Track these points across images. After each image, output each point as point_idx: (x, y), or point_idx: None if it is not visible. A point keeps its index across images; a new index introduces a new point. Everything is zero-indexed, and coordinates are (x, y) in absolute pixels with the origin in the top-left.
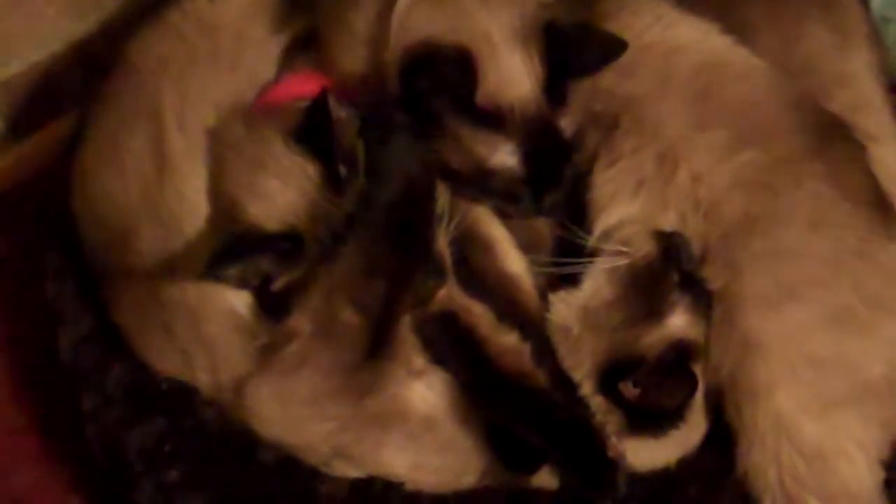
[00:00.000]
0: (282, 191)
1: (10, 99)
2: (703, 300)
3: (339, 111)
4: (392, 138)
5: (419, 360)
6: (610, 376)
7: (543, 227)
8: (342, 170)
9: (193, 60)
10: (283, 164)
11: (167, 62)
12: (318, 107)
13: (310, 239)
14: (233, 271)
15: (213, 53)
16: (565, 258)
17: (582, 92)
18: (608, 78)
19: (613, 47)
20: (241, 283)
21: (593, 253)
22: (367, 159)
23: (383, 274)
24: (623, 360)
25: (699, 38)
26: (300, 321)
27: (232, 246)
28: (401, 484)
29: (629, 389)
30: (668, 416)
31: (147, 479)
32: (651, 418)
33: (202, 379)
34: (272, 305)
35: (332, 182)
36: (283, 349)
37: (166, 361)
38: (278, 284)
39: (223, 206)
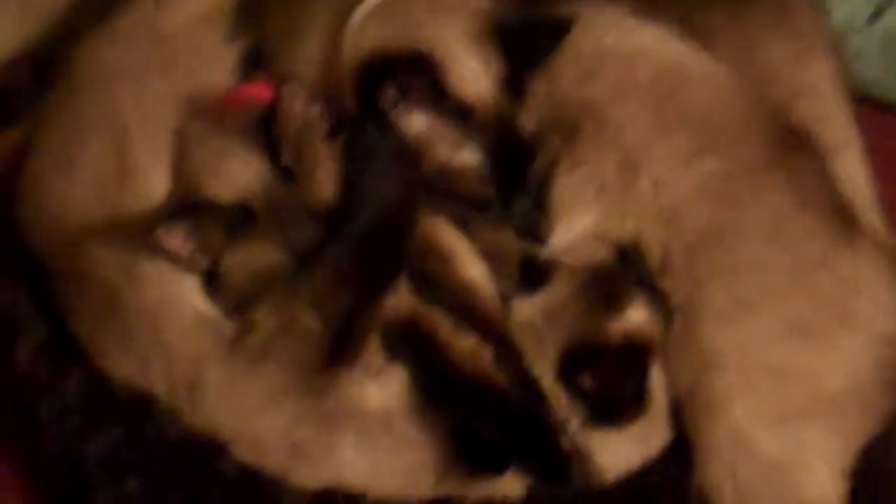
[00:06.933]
0: (240, 172)
1: None
2: (659, 301)
3: (310, 107)
4: (375, 160)
5: (377, 362)
6: (569, 367)
7: (507, 238)
8: (286, 160)
9: (149, 70)
10: (242, 150)
11: (121, 71)
12: (274, 99)
13: (262, 216)
14: (181, 233)
15: (169, 65)
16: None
17: (541, 95)
18: (568, 81)
19: (561, 28)
20: (189, 263)
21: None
22: (347, 177)
23: (349, 289)
24: (583, 348)
25: (657, 43)
26: (264, 315)
27: (183, 207)
28: (363, 495)
29: (587, 381)
30: (626, 406)
31: (105, 489)
32: (610, 408)
33: (159, 386)
34: (219, 295)
35: (279, 172)
36: (243, 341)
37: (124, 369)
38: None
39: (183, 190)
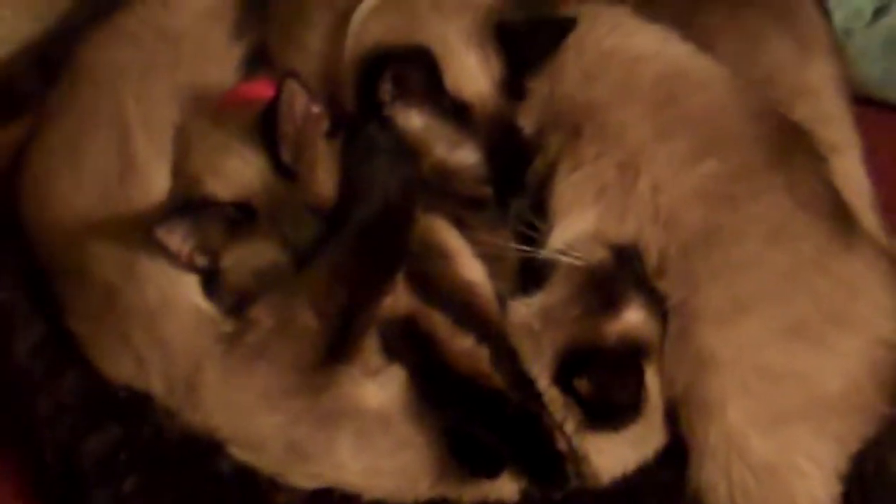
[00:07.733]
0: (241, 170)
1: None
2: (656, 302)
3: (311, 105)
4: (375, 156)
5: (376, 362)
6: (565, 370)
7: (504, 238)
8: (286, 158)
9: (154, 68)
10: (243, 149)
11: (126, 69)
12: (275, 97)
13: (262, 215)
14: (182, 231)
15: (175, 62)
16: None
17: (543, 96)
18: (570, 83)
19: (563, 27)
20: (189, 262)
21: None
22: (347, 175)
23: (347, 287)
24: (579, 350)
25: (660, 46)
26: (262, 313)
27: (183, 205)
28: (359, 496)
29: (583, 385)
30: (623, 410)
31: (102, 489)
32: (606, 410)
33: (156, 385)
34: (218, 294)
35: (280, 171)
36: (242, 338)
37: (120, 369)
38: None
39: (183, 188)
